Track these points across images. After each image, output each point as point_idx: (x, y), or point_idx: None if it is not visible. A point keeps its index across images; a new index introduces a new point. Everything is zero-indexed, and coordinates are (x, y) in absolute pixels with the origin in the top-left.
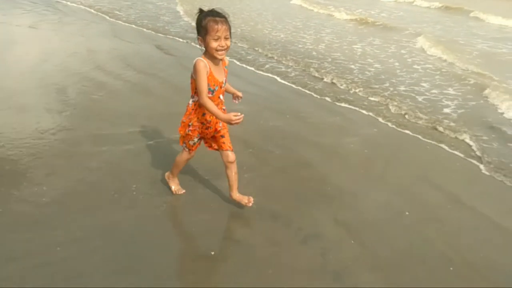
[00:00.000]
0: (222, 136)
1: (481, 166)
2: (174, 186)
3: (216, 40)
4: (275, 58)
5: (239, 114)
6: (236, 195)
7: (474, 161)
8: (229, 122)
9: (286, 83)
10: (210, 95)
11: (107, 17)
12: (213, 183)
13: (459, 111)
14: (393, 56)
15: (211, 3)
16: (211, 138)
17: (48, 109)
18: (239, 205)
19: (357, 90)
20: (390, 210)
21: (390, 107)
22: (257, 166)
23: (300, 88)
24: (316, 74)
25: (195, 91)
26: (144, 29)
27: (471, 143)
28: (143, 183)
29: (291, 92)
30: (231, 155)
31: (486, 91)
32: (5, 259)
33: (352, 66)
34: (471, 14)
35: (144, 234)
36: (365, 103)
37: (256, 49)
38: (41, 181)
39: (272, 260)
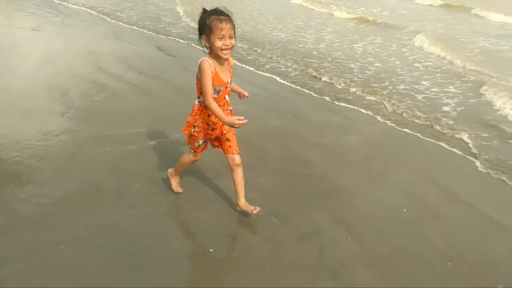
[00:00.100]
0: (228, 140)
1: (480, 164)
2: (174, 183)
3: (221, 39)
4: (275, 58)
5: (242, 117)
6: (242, 202)
7: (473, 159)
8: (232, 125)
9: (286, 83)
10: (215, 96)
11: (109, 19)
12: (212, 182)
13: (459, 109)
14: (394, 54)
15: (212, 3)
16: (215, 139)
17: (50, 110)
18: (235, 201)
19: (356, 89)
20: (388, 207)
21: (388, 106)
22: (256, 165)
23: (299, 87)
24: (316, 74)
25: (201, 92)
26: (145, 31)
27: (469, 141)
28: (144, 183)
29: (290, 92)
30: (237, 158)
31: (486, 89)
32: (9, 257)
33: (352, 65)
34: (473, 11)
35: (144, 232)
36: (365, 102)
37: (256, 49)
38: (44, 181)
39: (270, 257)
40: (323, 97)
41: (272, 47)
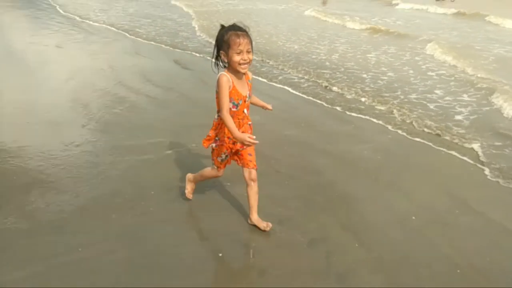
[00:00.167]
0: (250, 154)
1: (490, 173)
2: (189, 189)
3: (239, 53)
4: (288, 69)
5: (254, 137)
6: (255, 217)
7: (483, 167)
8: (242, 142)
9: (298, 93)
10: (234, 109)
11: (128, 35)
12: (226, 190)
13: (472, 117)
14: (407, 63)
15: (228, 18)
16: (235, 152)
17: (73, 123)
18: (247, 210)
19: (367, 99)
20: (397, 214)
21: (397, 115)
22: (267, 173)
23: (311, 98)
24: (328, 84)
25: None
26: (163, 45)
27: (480, 149)
28: (160, 190)
29: (302, 102)
30: (254, 173)
31: (499, 97)
32: (29, 260)
33: (365, 75)
34: (487, 19)
35: (157, 237)
36: (376, 111)
37: (268, 61)
38: (66, 189)
39: (277, 262)
40: (334, 107)
41: (285, 58)
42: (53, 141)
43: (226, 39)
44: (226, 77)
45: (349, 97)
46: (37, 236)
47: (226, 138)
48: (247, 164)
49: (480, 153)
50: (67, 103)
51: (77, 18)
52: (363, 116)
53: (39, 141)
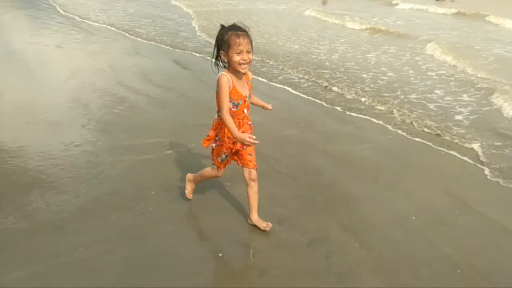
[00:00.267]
0: (250, 154)
1: (489, 173)
2: (189, 189)
3: (239, 53)
4: (288, 69)
5: (254, 137)
6: (255, 217)
7: (484, 167)
8: (242, 142)
9: (298, 93)
10: (234, 109)
11: (128, 35)
12: (225, 190)
13: (472, 117)
14: (407, 63)
15: (228, 18)
16: (235, 152)
17: (73, 122)
18: (247, 210)
19: (367, 99)
20: (397, 214)
21: (397, 115)
22: (267, 173)
23: (311, 98)
24: (328, 84)
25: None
26: (163, 45)
27: (480, 149)
28: (160, 190)
29: (302, 102)
30: (254, 173)
31: (499, 97)
32: (29, 260)
33: (365, 75)
34: (487, 19)
35: (157, 237)
36: (376, 111)
37: (268, 61)
38: (65, 189)
39: (278, 262)
40: (334, 107)
41: (285, 58)
42: (53, 141)
43: (226, 39)
44: (226, 77)
45: (349, 97)
46: (37, 236)
47: (226, 138)
48: (247, 164)
49: (480, 153)
50: (67, 103)
51: (77, 18)
52: (363, 116)
53: (39, 141)
